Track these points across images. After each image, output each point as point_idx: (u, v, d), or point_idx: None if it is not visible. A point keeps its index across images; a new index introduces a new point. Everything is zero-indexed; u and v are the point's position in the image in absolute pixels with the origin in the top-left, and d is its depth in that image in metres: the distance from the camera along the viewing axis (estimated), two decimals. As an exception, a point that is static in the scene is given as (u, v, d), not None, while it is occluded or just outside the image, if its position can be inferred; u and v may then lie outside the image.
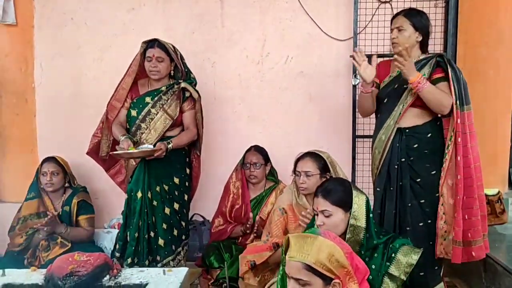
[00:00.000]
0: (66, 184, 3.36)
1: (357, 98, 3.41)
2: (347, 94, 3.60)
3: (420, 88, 2.46)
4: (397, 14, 2.68)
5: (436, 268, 2.63)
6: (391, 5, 3.48)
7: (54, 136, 3.81)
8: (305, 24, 3.62)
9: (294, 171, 2.81)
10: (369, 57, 3.37)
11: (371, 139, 3.46)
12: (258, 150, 3.40)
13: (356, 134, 3.56)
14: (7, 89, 3.83)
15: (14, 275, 2.09)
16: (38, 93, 3.83)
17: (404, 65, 2.45)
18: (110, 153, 3.02)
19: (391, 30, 2.66)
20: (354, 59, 2.66)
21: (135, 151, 2.78)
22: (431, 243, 2.59)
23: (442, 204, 2.56)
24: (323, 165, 2.73)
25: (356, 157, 3.57)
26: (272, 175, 3.46)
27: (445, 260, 2.66)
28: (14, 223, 3.24)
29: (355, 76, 3.46)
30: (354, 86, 3.48)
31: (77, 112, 3.79)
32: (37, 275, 2.06)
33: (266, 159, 3.40)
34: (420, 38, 2.64)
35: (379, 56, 3.36)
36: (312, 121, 3.70)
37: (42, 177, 3.24)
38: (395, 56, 2.50)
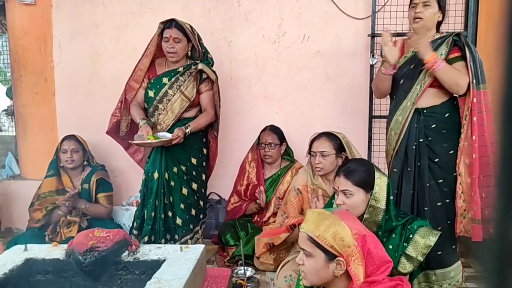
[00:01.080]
0: (85, 162, 3.42)
1: (374, 78, 3.39)
2: (364, 73, 3.56)
3: (436, 68, 2.43)
4: None
5: (453, 247, 2.64)
6: (411, -18, 3.41)
7: (73, 115, 3.86)
8: (322, 2, 3.57)
9: (309, 151, 2.81)
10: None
11: (387, 120, 3.45)
12: (273, 130, 3.40)
13: (373, 114, 3.53)
14: (26, 68, 3.87)
15: (36, 250, 2.14)
16: (57, 72, 3.87)
17: (420, 43, 2.41)
18: (130, 141, 3.05)
19: (415, 4, 2.56)
20: (383, 41, 2.60)
21: (154, 141, 2.81)
22: (449, 222, 2.59)
23: (460, 183, 2.55)
24: (339, 145, 2.73)
25: (372, 138, 3.55)
26: (288, 154, 3.47)
27: (461, 240, 2.66)
28: (34, 199, 3.32)
29: (373, 55, 3.42)
30: (372, 66, 3.45)
31: (95, 91, 3.83)
32: (58, 250, 2.11)
33: (282, 138, 3.41)
34: (440, 18, 2.59)
35: (398, 35, 3.32)
36: (329, 101, 3.68)
37: (62, 155, 3.30)
38: (410, 35, 2.45)
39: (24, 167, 4.07)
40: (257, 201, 3.31)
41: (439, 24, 2.63)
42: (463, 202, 2.55)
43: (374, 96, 3.44)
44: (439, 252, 2.53)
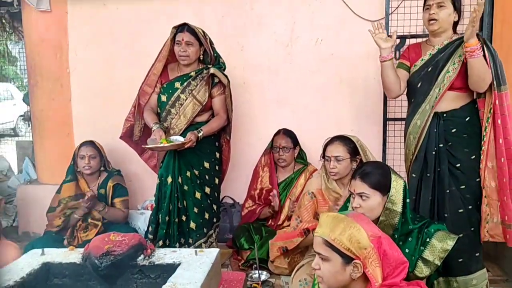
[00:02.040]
0: (102, 168, 3.45)
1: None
2: (378, 76, 3.49)
3: (476, 55, 2.34)
4: None
5: (477, 254, 2.56)
6: (424, -16, 3.39)
7: (89, 120, 3.90)
8: (335, 5, 3.56)
9: (323, 155, 2.80)
10: (402, 38, 3.34)
11: (402, 122, 3.41)
12: (287, 133, 3.40)
13: (387, 117, 3.50)
14: (43, 74, 3.92)
15: (53, 254, 2.16)
16: (73, 78, 3.92)
17: (476, 22, 2.29)
18: (143, 146, 3.07)
19: (428, 6, 2.53)
20: (370, 30, 2.62)
21: (167, 145, 2.83)
22: (472, 229, 2.52)
23: (483, 188, 2.48)
24: (353, 148, 2.71)
25: (387, 141, 3.52)
26: (301, 157, 3.47)
27: (492, 250, 2.59)
28: (53, 204, 3.35)
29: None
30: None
31: (110, 97, 3.86)
32: (75, 254, 2.13)
33: (295, 142, 3.40)
34: (456, 18, 2.55)
35: (412, 37, 3.30)
36: (343, 104, 3.66)
37: (80, 160, 3.33)
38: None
39: (41, 172, 4.12)
40: (271, 204, 3.31)
41: (455, 25, 2.59)
42: (486, 206, 2.49)
43: (388, 99, 3.43)
44: (460, 259, 2.47)
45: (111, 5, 3.81)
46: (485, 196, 2.49)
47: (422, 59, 2.62)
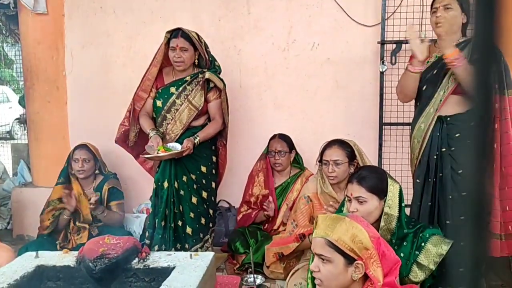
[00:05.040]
0: (97, 171, 3.44)
1: (388, 81, 3.37)
2: (374, 81, 3.55)
3: (457, 64, 2.32)
4: None
5: None
6: (420, -10, 3.40)
7: (84, 123, 3.89)
8: (332, 10, 3.58)
9: (321, 160, 2.80)
10: (398, 43, 3.35)
11: (398, 127, 3.43)
12: (283, 137, 3.40)
13: (383, 121, 3.51)
14: (39, 77, 3.91)
15: (47, 257, 2.16)
16: (69, 81, 3.92)
17: (442, 34, 2.31)
18: (141, 156, 3.05)
19: (435, 9, 2.48)
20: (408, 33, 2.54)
21: (165, 154, 2.82)
22: None
23: None
24: (350, 153, 2.72)
25: (383, 145, 3.53)
26: (297, 162, 3.47)
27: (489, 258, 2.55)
28: (45, 206, 3.34)
29: (383, 62, 3.41)
30: (382, 73, 3.44)
31: (106, 100, 3.86)
32: (69, 257, 2.12)
33: (291, 146, 3.40)
34: (464, 20, 2.49)
35: (408, 42, 3.30)
36: (339, 108, 3.67)
37: (74, 164, 3.32)
38: (435, 28, 2.35)
39: (36, 175, 4.10)
40: (265, 212, 3.30)
41: (464, 27, 2.52)
42: None
43: (384, 103, 3.44)
44: (461, 269, 2.45)
45: (107, 8, 3.81)
46: None
47: (428, 61, 2.56)
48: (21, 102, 5.47)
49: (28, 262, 2.10)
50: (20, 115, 4.98)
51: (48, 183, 3.71)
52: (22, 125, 4.79)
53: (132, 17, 3.79)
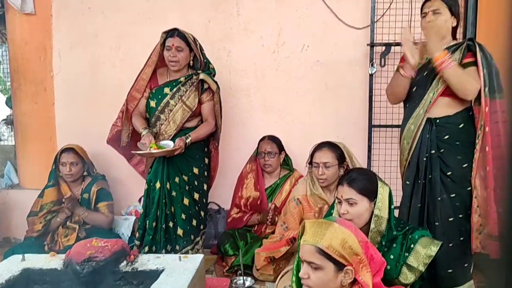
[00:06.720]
0: (85, 173, 3.41)
1: (377, 83, 3.38)
2: (364, 83, 3.56)
3: (445, 68, 2.33)
4: None
5: (466, 265, 2.53)
6: (409, -8, 3.43)
7: (72, 125, 3.85)
8: (322, 12, 3.58)
9: (311, 162, 2.80)
10: (387, 45, 3.37)
11: (387, 129, 3.45)
12: (272, 139, 3.41)
13: (373, 123, 3.52)
14: (26, 78, 3.87)
15: (34, 260, 2.12)
16: (57, 81, 3.87)
17: (429, 37, 2.30)
18: (132, 152, 3.03)
19: (425, 13, 2.50)
20: (403, 36, 2.52)
21: (157, 151, 2.81)
22: (462, 239, 2.49)
23: (475, 197, 2.43)
24: (340, 155, 2.72)
25: (372, 147, 3.54)
26: (286, 163, 3.47)
27: (476, 257, 2.56)
28: (34, 209, 3.30)
29: (372, 64, 3.42)
30: (371, 75, 3.45)
31: (94, 101, 3.82)
32: (56, 260, 2.09)
33: (280, 147, 3.41)
34: (454, 24, 2.51)
35: (397, 44, 3.33)
36: (328, 110, 3.68)
37: (62, 167, 3.29)
38: (425, 32, 2.34)
39: (23, 177, 4.06)
40: (268, 220, 3.26)
41: (454, 30, 2.55)
42: (478, 216, 2.44)
43: (373, 106, 3.45)
44: (450, 270, 2.45)
45: (96, 8, 3.77)
46: (478, 206, 2.44)
47: (419, 64, 2.57)
48: (8, 103, 5.39)
49: (14, 265, 2.07)
50: (7, 116, 4.90)
51: (35, 185, 3.67)
52: (9, 126, 4.72)
53: (120, 18, 3.76)
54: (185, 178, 3.05)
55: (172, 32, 2.98)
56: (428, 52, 2.38)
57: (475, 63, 2.40)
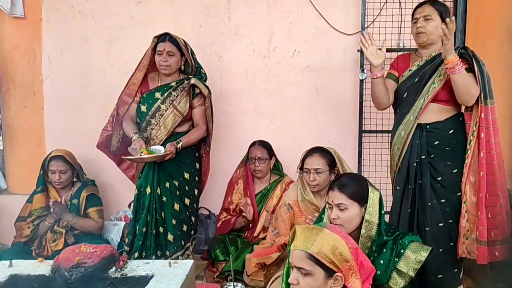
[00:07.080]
0: (74, 179, 3.38)
1: (367, 89, 3.39)
2: (354, 88, 3.58)
3: (457, 71, 2.33)
4: (422, 3, 2.57)
5: (455, 270, 2.55)
6: (399, -1, 3.45)
7: (61, 129, 3.82)
8: (312, 17, 3.60)
9: (302, 167, 2.80)
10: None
11: (378, 135, 3.46)
12: (262, 144, 3.40)
13: (363, 129, 3.53)
14: (15, 81, 3.84)
15: (21, 266, 2.10)
16: (46, 86, 3.84)
17: (449, 39, 2.29)
18: (123, 157, 3.01)
19: (416, 19, 2.54)
20: (361, 42, 2.60)
21: (147, 156, 2.80)
22: (451, 244, 2.50)
23: (464, 202, 2.46)
24: (331, 160, 2.73)
25: (362, 152, 3.55)
26: (277, 168, 3.47)
27: (465, 262, 2.58)
28: (22, 214, 3.26)
29: (363, 70, 3.44)
30: (362, 81, 3.47)
31: (84, 105, 3.80)
32: (44, 266, 2.07)
33: (271, 153, 3.40)
34: None
35: (387, 50, 3.34)
36: (319, 115, 3.69)
37: (51, 175, 3.25)
38: (443, 27, 2.28)
39: (11, 182, 4.01)
40: (243, 213, 3.28)
41: None
42: (466, 221, 2.46)
43: (364, 111, 3.47)
44: (440, 276, 2.45)
45: (86, 12, 3.75)
46: (466, 212, 2.46)
47: (410, 70, 2.61)
48: (-4, 107, 5.35)
49: (1, 271, 2.04)
50: (-5, 120, 4.86)
51: (24, 190, 3.63)
52: (-3, 130, 4.68)
53: (111, 22, 3.75)
54: (176, 183, 3.04)
55: (164, 37, 2.98)
56: (443, 53, 2.37)
57: (469, 70, 2.42)
